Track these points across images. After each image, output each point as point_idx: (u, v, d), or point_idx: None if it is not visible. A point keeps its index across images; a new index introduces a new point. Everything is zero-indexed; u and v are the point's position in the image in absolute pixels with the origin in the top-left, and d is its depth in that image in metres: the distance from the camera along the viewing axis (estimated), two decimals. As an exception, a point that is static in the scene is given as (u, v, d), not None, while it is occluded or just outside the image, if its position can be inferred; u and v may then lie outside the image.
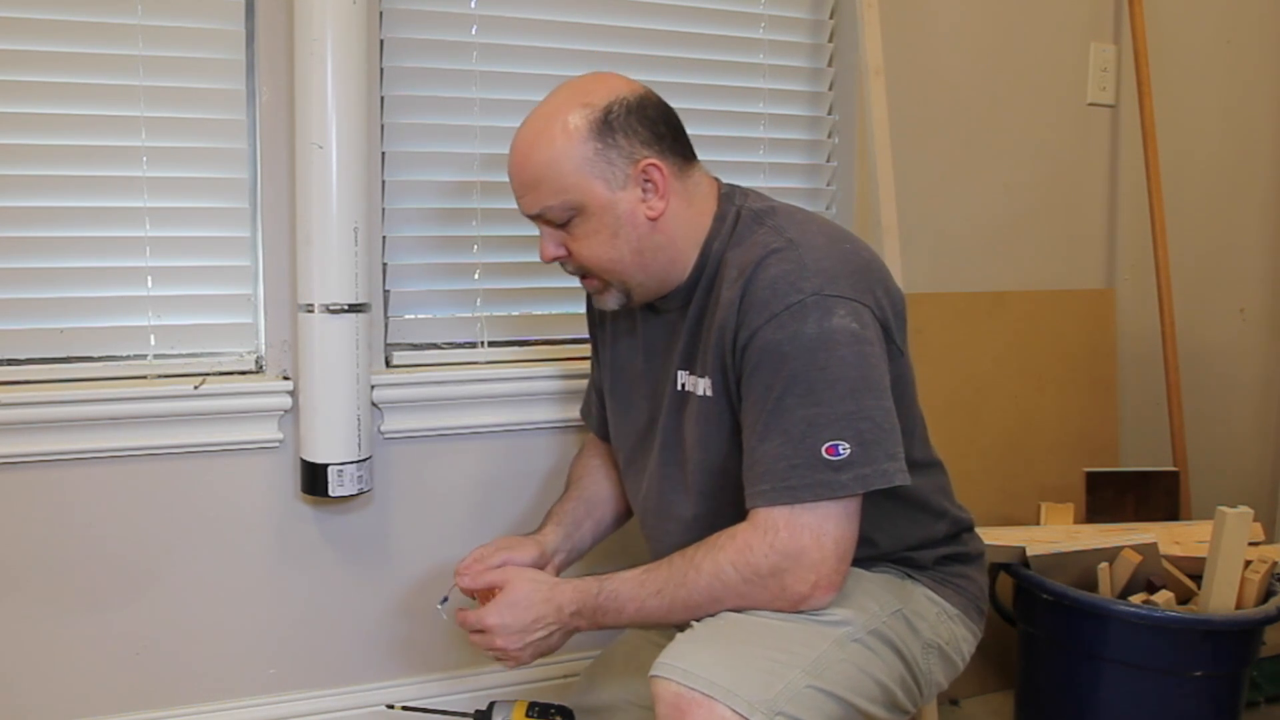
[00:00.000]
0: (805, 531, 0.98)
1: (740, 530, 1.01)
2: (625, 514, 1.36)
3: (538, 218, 1.12)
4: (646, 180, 1.09)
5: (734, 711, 0.91)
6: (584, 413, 1.43)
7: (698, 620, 1.03)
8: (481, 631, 1.12)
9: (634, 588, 1.06)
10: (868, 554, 1.12)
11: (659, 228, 1.10)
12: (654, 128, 1.10)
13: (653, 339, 1.21)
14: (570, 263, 1.14)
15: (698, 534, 1.09)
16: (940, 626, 1.14)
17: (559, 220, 1.10)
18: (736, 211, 1.13)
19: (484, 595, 1.18)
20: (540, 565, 1.24)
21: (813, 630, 1.01)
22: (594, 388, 1.39)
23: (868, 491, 0.99)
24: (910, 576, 1.15)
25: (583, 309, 1.39)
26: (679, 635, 1.01)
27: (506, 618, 1.10)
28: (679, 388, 1.15)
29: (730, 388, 1.07)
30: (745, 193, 1.16)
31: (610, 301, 1.16)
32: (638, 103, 1.10)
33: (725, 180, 1.19)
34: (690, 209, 1.12)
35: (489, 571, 1.18)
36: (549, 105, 1.11)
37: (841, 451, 0.97)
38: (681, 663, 0.95)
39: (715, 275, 1.11)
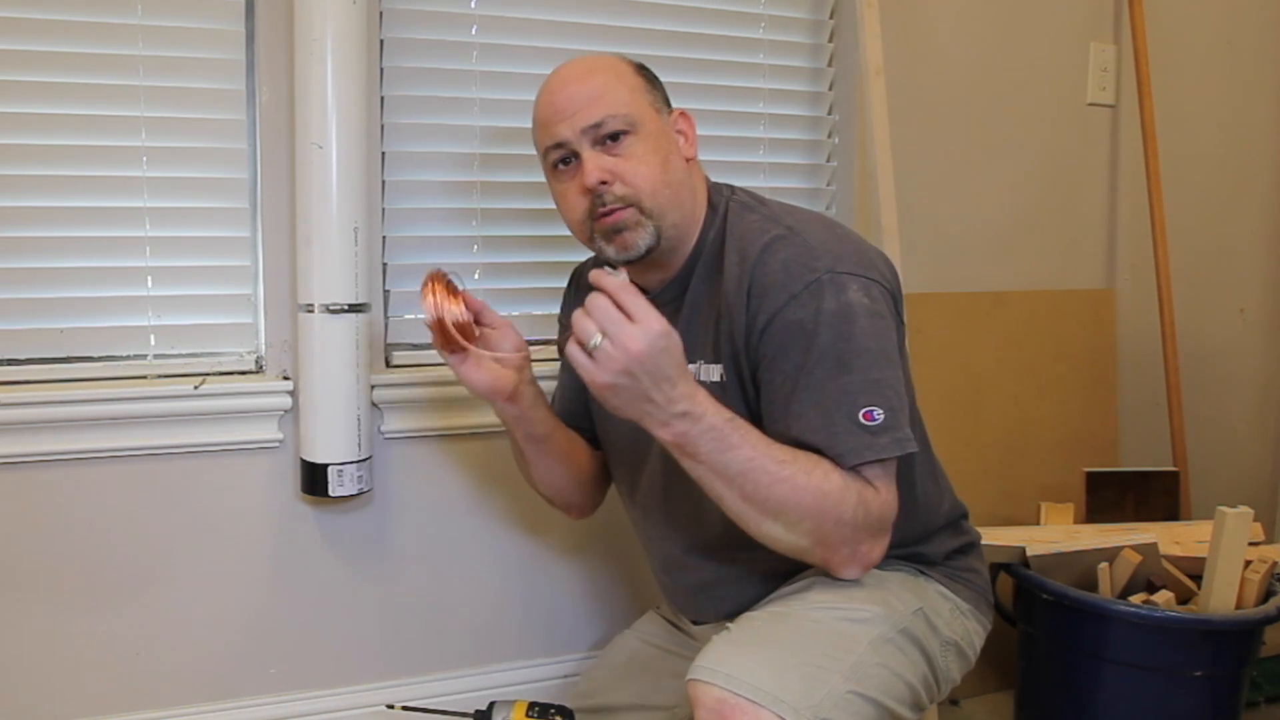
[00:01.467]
0: (895, 501, 1.02)
1: (859, 478, 0.99)
2: (580, 475, 1.32)
3: (595, 129, 1.08)
4: (678, 130, 1.15)
5: (779, 718, 0.90)
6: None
7: (769, 518, 0.98)
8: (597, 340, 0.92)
9: (759, 439, 0.97)
10: None
11: (690, 174, 1.15)
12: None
13: None
14: (615, 187, 1.09)
15: (700, 530, 1.09)
16: (955, 623, 1.14)
17: (616, 130, 1.08)
18: (725, 203, 1.15)
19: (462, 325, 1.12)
20: (517, 361, 1.17)
21: (847, 631, 1.01)
22: (563, 387, 1.38)
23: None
24: (923, 573, 1.15)
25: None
26: (715, 638, 1.00)
27: (668, 342, 0.92)
28: None
29: (744, 374, 1.07)
30: (731, 188, 1.19)
31: (642, 239, 1.10)
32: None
33: (722, 180, 1.21)
34: (699, 178, 1.17)
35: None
36: (587, 57, 1.16)
37: (877, 416, 0.99)
38: (724, 667, 0.94)
39: (712, 264, 1.12)
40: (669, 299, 1.16)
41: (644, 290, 1.17)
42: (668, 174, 1.10)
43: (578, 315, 0.93)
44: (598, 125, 1.09)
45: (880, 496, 1.00)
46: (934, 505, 1.18)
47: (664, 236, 1.11)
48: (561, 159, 1.12)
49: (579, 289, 1.35)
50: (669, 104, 1.17)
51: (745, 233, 1.09)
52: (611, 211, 1.10)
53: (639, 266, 1.14)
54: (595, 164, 1.09)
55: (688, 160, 1.15)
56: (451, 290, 1.14)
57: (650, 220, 1.10)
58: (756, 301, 1.04)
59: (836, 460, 0.99)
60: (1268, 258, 2.17)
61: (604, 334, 0.91)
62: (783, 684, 0.92)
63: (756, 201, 1.15)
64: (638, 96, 1.11)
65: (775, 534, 0.99)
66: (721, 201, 1.15)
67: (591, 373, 0.93)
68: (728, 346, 1.08)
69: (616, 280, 0.92)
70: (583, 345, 0.93)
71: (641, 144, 1.09)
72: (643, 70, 1.16)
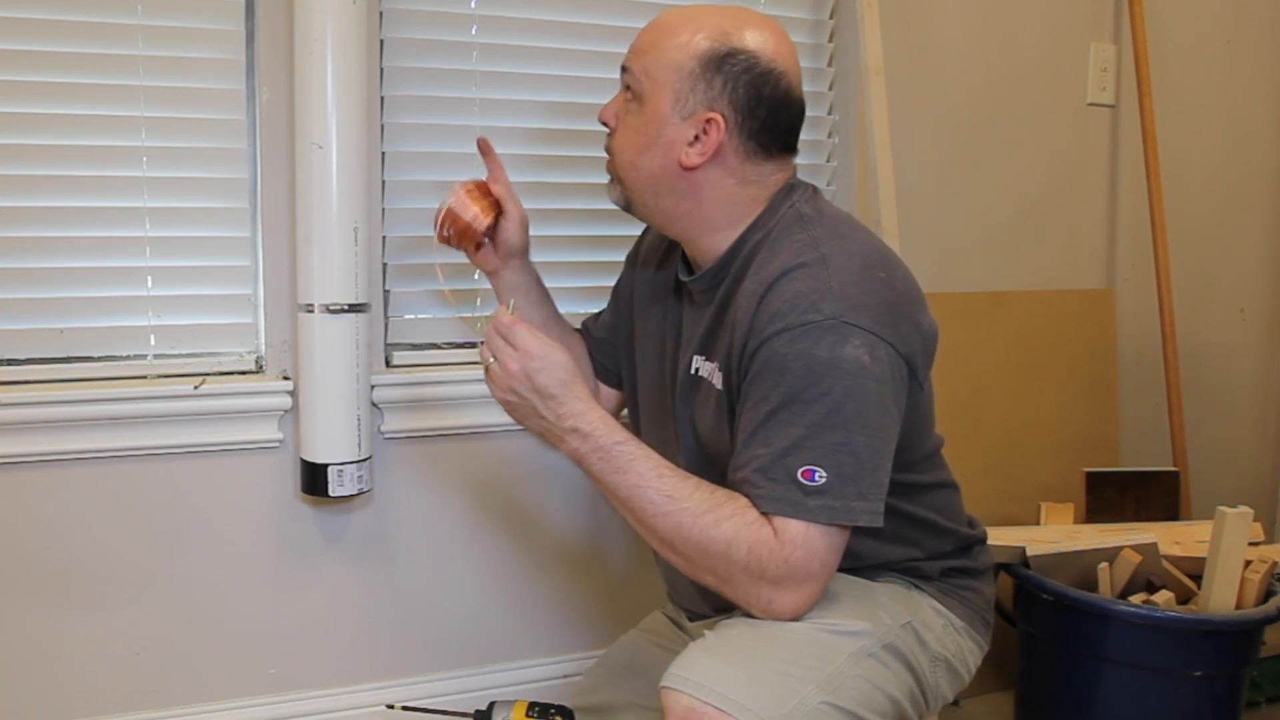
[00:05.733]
0: (815, 560, 0.97)
1: (764, 527, 0.97)
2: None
3: (624, 73, 1.11)
4: (702, 132, 1.06)
5: None
6: (585, 324, 1.42)
7: (666, 549, 1.01)
8: (504, 351, 1.05)
9: (650, 469, 1.01)
10: (873, 563, 1.12)
11: (688, 179, 1.08)
12: (754, 104, 1.06)
13: (678, 321, 1.20)
14: (609, 137, 1.15)
15: None
16: (947, 639, 1.13)
17: (630, 86, 1.10)
18: (787, 209, 1.10)
19: (479, 193, 1.28)
20: (512, 251, 1.31)
21: (827, 643, 0.99)
22: (604, 317, 1.39)
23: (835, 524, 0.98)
24: (917, 587, 1.14)
25: (582, 309, 1.39)
26: (691, 645, 0.99)
27: (543, 364, 1.03)
28: (692, 371, 1.14)
29: (733, 385, 1.06)
30: (806, 194, 1.13)
31: (612, 193, 1.16)
32: (763, 75, 1.06)
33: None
34: (741, 189, 1.09)
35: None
36: (710, 10, 1.10)
37: (817, 478, 0.95)
38: (694, 674, 0.93)
39: (744, 269, 1.08)
40: (702, 289, 1.14)
41: (691, 273, 1.18)
42: (640, 160, 1.10)
43: (481, 347, 1.08)
44: (625, 70, 1.11)
45: (781, 553, 0.96)
46: (937, 538, 1.16)
47: (634, 208, 1.15)
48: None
49: (645, 245, 1.34)
50: (728, 106, 1.06)
51: (781, 250, 1.05)
52: (608, 156, 1.16)
53: (664, 232, 1.18)
54: (612, 106, 1.14)
55: (690, 167, 1.07)
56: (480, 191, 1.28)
57: (619, 185, 1.15)
58: (756, 322, 1.01)
59: (755, 500, 0.97)
60: (1268, 258, 2.17)
61: (494, 358, 1.05)
62: (752, 692, 0.92)
63: (815, 217, 1.08)
64: (671, 76, 1.06)
65: (680, 565, 1.01)
66: (783, 207, 1.10)
67: (490, 389, 1.07)
68: (726, 359, 1.07)
69: (505, 319, 1.06)
70: (485, 368, 1.07)
71: (634, 118, 1.10)
72: (717, 60, 1.05)
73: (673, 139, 1.07)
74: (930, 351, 1.09)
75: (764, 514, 0.97)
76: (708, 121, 1.06)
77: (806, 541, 0.96)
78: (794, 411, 0.97)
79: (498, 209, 1.28)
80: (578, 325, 1.60)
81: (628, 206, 1.15)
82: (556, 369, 1.03)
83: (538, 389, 1.03)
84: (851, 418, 0.96)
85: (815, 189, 1.15)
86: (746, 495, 0.99)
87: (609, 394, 1.37)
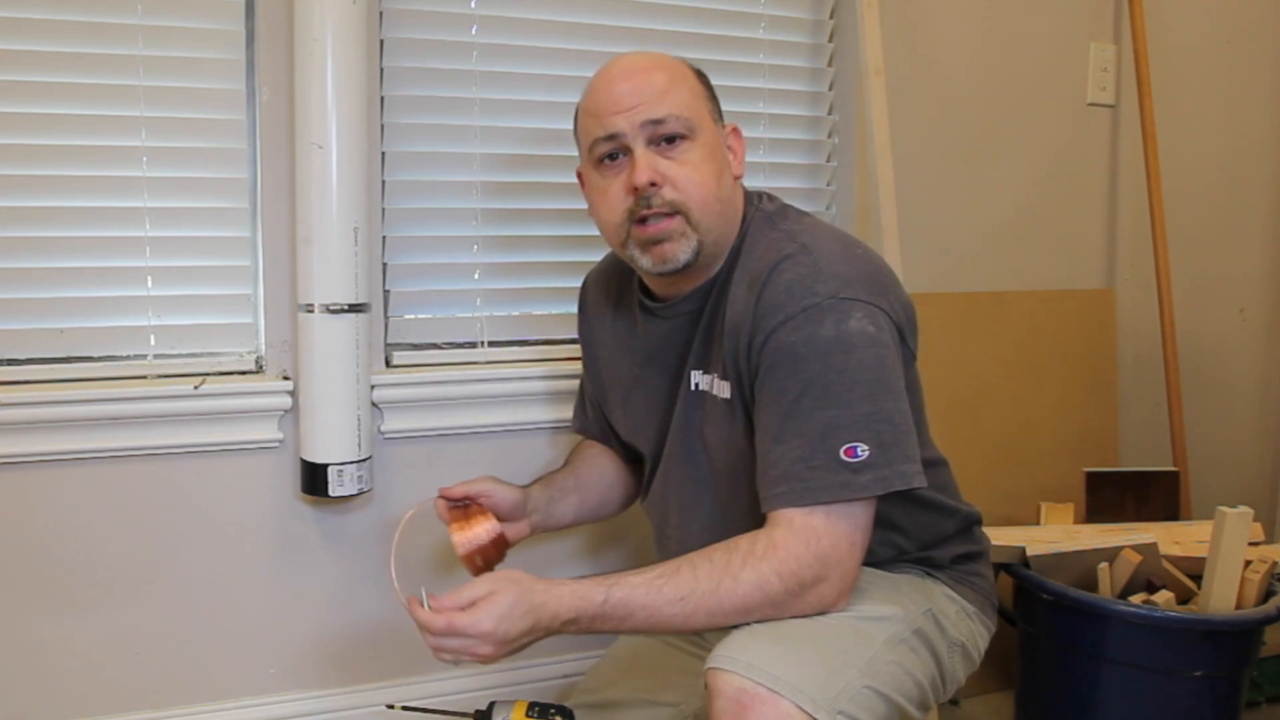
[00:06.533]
0: (843, 540, 0.98)
1: (778, 537, 0.97)
2: (616, 505, 1.36)
3: (655, 125, 1.06)
4: (728, 145, 1.13)
5: (799, 708, 0.90)
6: (578, 427, 1.41)
7: (710, 630, 1.00)
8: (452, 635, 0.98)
9: (648, 593, 0.97)
10: (891, 555, 1.13)
11: (736, 190, 1.13)
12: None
13: (658, 344, 1.19)
14: (665, 191, 1.06)
15: (723, 534, 1.08)
16: (961, 624, 1.14)
17: (676, 131, 1.06)
18: (753, 213, 1.13)
19: (458, 517, 1.18)
20: (517, 514, 1.23)
21: (865, 629, 1.01)
22: (588, 400, 1.39)
23: (886, 494, 0.99)
24: (931, 575, 1.16)
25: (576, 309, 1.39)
26: (734, 630, 0.99)
27: (505, 625, 0.96)
28: (693, 387, 1.14)
29: (745, 391, 1.06)
30: (760, 195, 1.17)
31: (683, 252, 1.07)
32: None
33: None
34: (740, 199, 1.15)
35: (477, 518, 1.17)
36: (648, 52, 1.13)
37: (860, 453, 0.96)
38: (744, 655, 0.93)
39: (728, 276, 1.10)
40: (689, 309, 1.15)
41: (663, 300, 1.18)
42: (720, 188, 1.08)
43: (432, 649, 0.99)
44: (659, 122, 1.06)
45: (809, 550, 0.96)
46: (943, 521, 1.17)
47: (703, 252, 1.09)
48: (610, 153, 1.09)
49: (590, 302, 1.34)
50: (722, 116, 1.14)
51: (761, 250, 1.07)
52: (656, 218, 1.07)
53: (667, 277, 1.12)
54: (648, 163, 1.06)
55: (735, 178, 1.13)
56: (464, 515, 1.19)
57: (695, 233, 1.07)
58: (757, 320, 1.02)
59: (802, 494, 0.97)
60: (1268, 258, 2.17)
61: (455, 653, 0.98)
62: (802, 675, 0.92)
63: (780, 215, 1.12)
64: (699, 102, 1.09)
65: (728, 628, 1.00)
66: (750, 213, 1.13)
67: (479, 665, 1.02)
68: (733, 365, 1.07)
69: (438, 624, 0.97)
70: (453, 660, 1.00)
71: (698, 151, 1.07)
72: (702, 76, 1.13)
73: (726, 155, 1.12)
74: (913, 323, 1.11)
75: (826, 507, 0.97)
76: (730, 135, 1.14)
77: (829, 527, 0.97)
78: (816, 395, 0.98)
79: (480, 508, 1.20)
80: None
81: (696, 256, 1.08)
82: (518, 612, 0.96)
83: (517, 639, 0.97)
84: (874, 387, 0.98)
85: (770, 194, 1.18)
86: (789, 491, 0.98)
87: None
